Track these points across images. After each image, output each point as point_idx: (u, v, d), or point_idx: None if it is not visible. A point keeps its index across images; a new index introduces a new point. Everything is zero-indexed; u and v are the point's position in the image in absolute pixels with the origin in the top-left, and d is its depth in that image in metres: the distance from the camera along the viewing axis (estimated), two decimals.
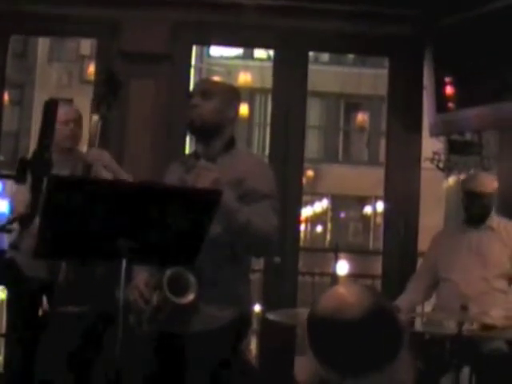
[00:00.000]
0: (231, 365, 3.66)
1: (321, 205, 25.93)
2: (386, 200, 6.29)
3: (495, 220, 5.20)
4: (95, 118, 3.82)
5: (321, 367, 2.04)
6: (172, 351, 3.65)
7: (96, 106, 3.80)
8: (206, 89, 3.77)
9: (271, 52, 7.06)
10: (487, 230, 5.16)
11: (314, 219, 25.85)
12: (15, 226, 4.26)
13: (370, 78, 21.96)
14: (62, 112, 5.01)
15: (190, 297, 3.47)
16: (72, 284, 4.39)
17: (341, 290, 2.10)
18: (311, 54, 6.49)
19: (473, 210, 5.18)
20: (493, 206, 5.23)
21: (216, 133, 3.71)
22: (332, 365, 2.03)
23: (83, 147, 4.68)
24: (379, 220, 22.65)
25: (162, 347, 3.68)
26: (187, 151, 5.90)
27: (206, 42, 8.07)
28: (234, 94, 3.85)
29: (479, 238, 5.14)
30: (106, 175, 4.88)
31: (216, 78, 5.77)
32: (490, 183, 5.27)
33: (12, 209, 5.00)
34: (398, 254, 6.03)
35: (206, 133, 3.72)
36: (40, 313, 4.76)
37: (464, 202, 5.22)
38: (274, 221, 3.57)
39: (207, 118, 3.68)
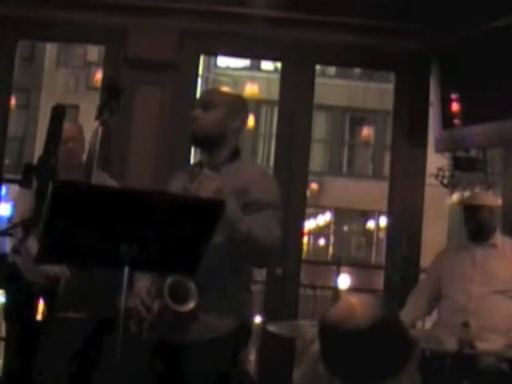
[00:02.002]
0: (230, 375, 3.65)
1: (324, 218, 25.93)
2: (390, 215, 6.28)
3: (499, 238, 5.23)
4: (96, 124, 3.84)
5: (326, 373, 2.04)
6: (171, 359, 3.64)
7: (98, 112, 3.82)
8: (208, 100, 3.77)
9: (278, 64, 7.07)
10: (491, 247, 5.18)
11: (317, 232, 25.84)
12: (18, 230, 4.25)
13: (376, 92, 22.00)
14: None
15: (191, 305, 3.47)
16: (73, 290, 4.39)
17: (352, 299, 2.11)
18: (318, 67, 6.50)
19: (472, 224, 5.21)
20: (494, 223, 5.25)
21: (219, 143, 3.70)
22: (337, 371, 2.03)
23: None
24: (382, 234, 22.66)
25: (161, 354, 3.67)
26: (192, 160, 5.90)
27: (213, 52, 8.06)
28: (239, 104, 3.82)
29: (483, 255, 5.15)
30: (110, 182, 4.89)
31: (223, 88, 5.76)
32: (489, 198, 5.38)
33: (14, 215, 5.02)
34: (400, 269, 6.02)
35: (207, 144, 3.73)
36: (39, 317, 4.76)
37: (463, 217, 5.27)
38: (276, 231, 3.55)
39: (208, 130, 3.68)
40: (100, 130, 3.83)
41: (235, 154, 3.75)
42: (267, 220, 3.50)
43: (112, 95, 3.85)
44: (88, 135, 4.25)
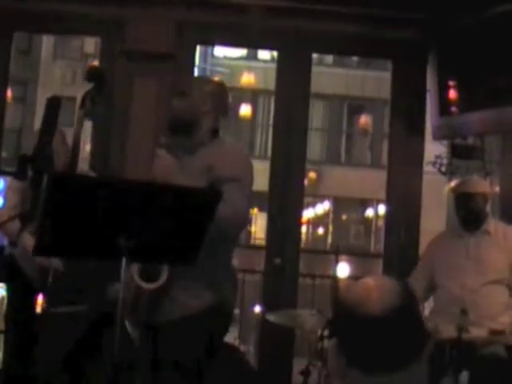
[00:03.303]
0: (210, 353, 3.66)
1: (322, 207, 25.90)
2: (388, 203, 6.28)
3: (492, 224, 5.19)
4: (79, 113, 3.83)
5: (341, 359, 2.00)
6: (150, 340, 3.69)
7: (81, 102, 3.81)
8: (180, 89, 3.97)
9: (275, 53, 7.06)
10: (484, 235, 5.14)
11: (316, 221, 25.82)
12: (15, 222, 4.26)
13: (374, 80, 21.95)
14: None
15: (160, 281, 3.48)
16: (60, 283, 4.38)
17: (370, 282, 2.02)
18: (315, 55, 6.49)
19: (463, 212, 5.17)
20: (486, 209, 5.20)
21: (192, 127, 3.84)
22: (347, 355, 1.99)
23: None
24: (381, 223, 22.63)
25: (144, 337, 3.72)
26: None
27: (210, 42, 8.06)
28: (210, 88, 3.94)
29: (476, 243, 5.11)
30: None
31: (218, 78, 5.76)
32: (481, 184, 5.31)
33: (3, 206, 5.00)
34: (398, 257, 6.02)
35: (181, 129, 3.87)
36: (39, 311, 4.76)
37: (455, 205, 5.23)
38: (239, 204, 3.56)
39: (181, 116, 3.85)
40: (83, 120, 3.83)
41: (212, 135, 3.86)
42: (228, 193, 3.43)
43: (95, 85, 3.84)
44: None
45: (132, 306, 3.59)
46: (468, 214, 5.16)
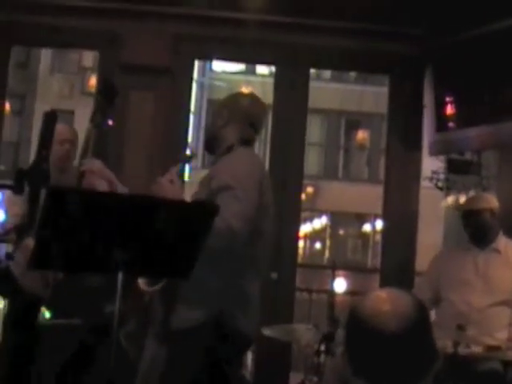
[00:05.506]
0: (210, 371, 3.59)
1: (320, 221, 25.93)
2: (385, 218, 6.28)
3: (502, 242, 5.12)
4: (89, 126, 3.83)
5: (347, 368, 1.97)
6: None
7: (92, 115, 3.81)
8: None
9: (273, 68, 7.08)
10: (493, 253, 5.07)
11: (313, 236, 25.84)
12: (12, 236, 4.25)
13: (371, 95, 22.03)
14: (58, 132, 5.01)
15: (160, 284, 3.44)
16: (58, 295, 4.37)
17: (383, 295, 2.00)
18: (313, 70, 6.51)
19: (471, 229, 5.12)
20: (495, 225, 5.12)
21: (213, 143, 3.94)
22: (354, 363, 1.96)
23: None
24: (378, 238, 22.64)
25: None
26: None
27: (207, 57, 8.08)
28: (225, 100, 4.06)
29: (485, 260, 5.04)
30: (100, 184, 4.87)
31: (218, 93, 5.74)
32: (488, 199, 5.23)
33: (6, 220, 5.00)
34: (395, 272, 6.01)
35: (210, 148, 4.00)
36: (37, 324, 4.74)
37: (463, 223, 5.19)
38: (231, 211, 3.42)
39: (205, 137, 4.10)
40: (93, 133, 3.82)
41: (228, 148, 3.86)
42: (222, 202, 3.33)
43: (106, 97, 3.84)
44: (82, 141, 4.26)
45: (147, 316, 3.57)
46: (476, 230, 5.10)
